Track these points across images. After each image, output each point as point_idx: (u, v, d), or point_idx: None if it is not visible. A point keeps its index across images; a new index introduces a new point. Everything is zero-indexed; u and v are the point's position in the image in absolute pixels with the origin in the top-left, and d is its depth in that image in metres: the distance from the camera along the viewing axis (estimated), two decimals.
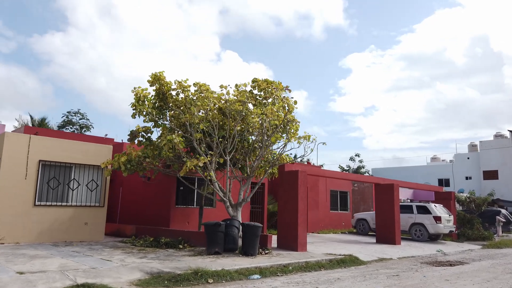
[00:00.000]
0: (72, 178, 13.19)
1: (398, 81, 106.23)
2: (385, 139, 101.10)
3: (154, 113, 12.35)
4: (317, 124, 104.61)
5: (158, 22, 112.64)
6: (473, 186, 46.85)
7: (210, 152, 11.77)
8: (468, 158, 50.59)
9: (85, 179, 13.47)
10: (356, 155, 52.92)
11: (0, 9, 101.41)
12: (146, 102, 12.05)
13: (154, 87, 12.50)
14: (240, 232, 11.33)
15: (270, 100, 13.55)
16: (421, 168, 55.88)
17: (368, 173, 54.12)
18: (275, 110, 12.34)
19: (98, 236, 13.49)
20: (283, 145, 13.01)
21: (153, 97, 12.53)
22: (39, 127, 29.86)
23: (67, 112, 34.40)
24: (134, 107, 11.75)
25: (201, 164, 10.50)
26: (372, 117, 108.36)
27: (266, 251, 11.39)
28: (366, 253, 13.35)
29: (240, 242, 11.21)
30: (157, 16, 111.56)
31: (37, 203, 12.35)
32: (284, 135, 13.75)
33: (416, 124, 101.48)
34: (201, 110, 11.82)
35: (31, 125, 30.39)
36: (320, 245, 14.73)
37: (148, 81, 12.31)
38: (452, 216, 19.60)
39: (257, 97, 13.46)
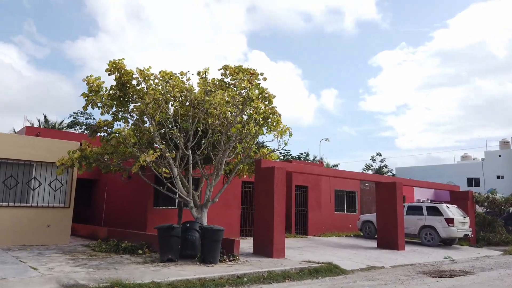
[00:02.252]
0: (33, 176, 12.28)
1: (431, 78, 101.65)
2: (419, 138, 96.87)
3: (113, 104, 11.23)
4: (347, 124, 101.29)
5: (186, 22, 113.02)
6: (505, 185, 43.51)
7: (170, 146, 10.53)
8: (500, 155, 47.11)
9: (48, 178, 12.54)
10: (377, 155, 50.33)
11: (34, 16, 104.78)
12: (101, 93, 10.91)
13: (114, 77, 11.38)
14: None
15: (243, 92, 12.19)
16: (449, 167, 52.68)
17: (391, 173, 51.49)
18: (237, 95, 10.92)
19: (62, 239, 12.52)
20: (251, 138, 11.55)
21: (112, 88, 11.41)
22: (43, 128, 29.81)
23: (74, 113, 34.15)
24: (86, 98, 10.63)
25: (148, 159, 9.24)
26: (404, 116, 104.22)
27: (232, 258, 10.02)
28: (356, 260, 11.73)
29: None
30: (185, 17, 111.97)
31: None
32: (264, 128, 12.39)
33: (450, 122, 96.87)
34: (161, 100, 10.58)
35: (38, 127, 30.36)
36: (307, 251, 13.18)
37: (106, 70, 11.18)
38: (467, 218, 17.50)
39: (231, 86, 12.10)
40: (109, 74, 11.31)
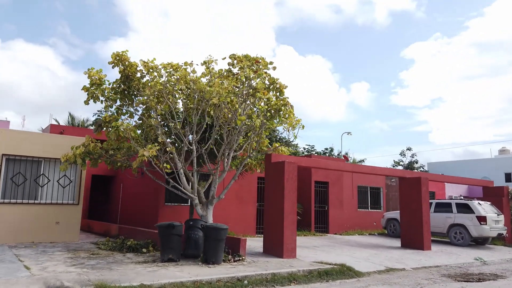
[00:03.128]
0: (41, 173, 12.14)
1: (468, 69, 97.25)
2: (454, 132, 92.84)
3: (117, 98, 10.88)
4: (379, 118, 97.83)
5: (215, 19, 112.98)
6: None
7: (172, 140, 10.05)
8: None
9: (57, 174, 12.38)
10: (407, 149, 48.33)
11: (68, 18, 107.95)
12: (104, 86, 10.56)
13: (119, 70, 11.02)
14: None
15: (256, 81, 11.55)
16: (486, 161, 49.89)
17: (423, 168, 49.39)
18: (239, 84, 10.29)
19: (72, 236, 12.33)
20: (257, 132, 10.89)
21: (117, 81, 11.05)
22: (67, 126, 30.30)
23: (98, 110, 34.51)
24: (87, 91, 10.30)
25: (146, 154, 8.78)
26: (438, 110, 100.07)
27: (237, 258, 9.44)
28: (374, 261, 10.89)
29: None
30: (214, 14, 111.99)
31: (0, 200, 11.42)
32: (275, 120, 11.75)
33: (489, 115, 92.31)
34: (163, 93, 10.11)
35: (62, 125, 30.90)
36: (322, 250, 12.43)
37: (110, 62, 10.83)
38: (502, 215, 16.17)
39: (239, 76, 11.48)
40: (112, 67, 10.97)
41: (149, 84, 9.81)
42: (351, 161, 33.29)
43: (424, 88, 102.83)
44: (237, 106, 10.06)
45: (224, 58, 10.77)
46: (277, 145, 12.71)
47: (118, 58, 10.84)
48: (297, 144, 34.21)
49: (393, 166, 46.04)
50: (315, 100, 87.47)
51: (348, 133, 32.15)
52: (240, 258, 9.49)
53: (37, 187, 12.08)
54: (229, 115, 9.99)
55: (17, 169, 11.83)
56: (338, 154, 34.17)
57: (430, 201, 17.16)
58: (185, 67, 10.52)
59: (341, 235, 18.14)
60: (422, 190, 14.18)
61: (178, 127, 9.83)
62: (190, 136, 10.71)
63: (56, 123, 31.49)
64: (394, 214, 18.27)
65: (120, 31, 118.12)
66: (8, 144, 11.68)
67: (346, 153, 33.13)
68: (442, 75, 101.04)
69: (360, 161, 35.12)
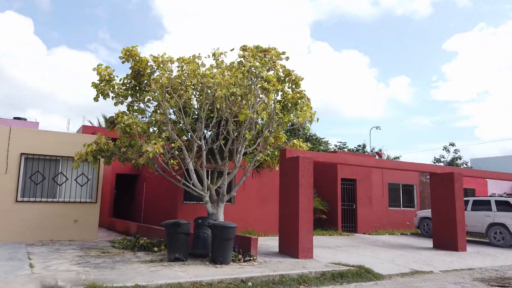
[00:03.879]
0: (59, 172, 12.24)
1: None
2: (502, 126, 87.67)
3: (128, 95, 10.73)
4: (420, 114, 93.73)
5: (250, 19, 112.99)
6: None
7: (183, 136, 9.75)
8: None
9: (74, 173, 12.44)
10: (450, 145, 45.83)
11: (107, 23, 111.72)
12: (113, 82, 10.42)
13: (130, 65, 10.87)
14: None
15: (270, 73, 11.05)
16: None
17: (466, 165, 46.78)
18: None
19: (90, 234, 12.35)
20: (266, 126, 10.36)
21: (127, 76, 10.91)
22: (99, 127, 30.98)
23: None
24: (96, 88, 10.19)
25: (149, 149, 8.50)
26: (484, 103, 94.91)
27: (247, 258, 8.98)
28: (399, 263, 10.09)
29: None
30: (249, 13, 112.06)
31: (19, 199, 11.59)
32: (292, 114, 11.23)
33: None
34: (170, 87, 9.84)
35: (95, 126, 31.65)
36: (344, 251, 11.74)
37: (120, 57, 10.70)
38: None
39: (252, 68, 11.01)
40: (122, 62, 10.84)
41: (155, 79, 9.53)
42: (385, 158, 31.89)
43: (468, 81, 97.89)
44: (239, 99, 9.56)
45: (232, 50, 10.32)
46: (295, 140, 12.14)
47: (128, 53, 10.69)
48: (327, 141, 33.35)
49: (434, 163, 43.85)
50: (352, 97, 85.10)
51: (377, 127, 30.86)
52: (251, 258, 9.03)
53: (55, 185, 12.18)
54: (234, 109, 9.54)
55: (35, 168, 11.98)
56: (371, 151, 32.87)
57: (467, 198, 15.96)
58: (193, 59, 10.18)
59: (370, 235, 17.26)
60: (455, 186, 13.11)
61: (186, 122, 9.49)
62: (205, 132, 10.39)
63: (90, 124, 32.36)
64: (427, 213, 17.14)
65: (156, 34, 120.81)
66: (27, 143, 11.84)
67: (380, 150, 31.85)
68: (488, 67, 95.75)
69: (395, 158, 33.61)
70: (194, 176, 10.03)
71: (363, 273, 8.48)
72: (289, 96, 11.55)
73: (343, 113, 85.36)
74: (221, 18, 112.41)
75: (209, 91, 9.44)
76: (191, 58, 10.19)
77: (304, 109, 11.28)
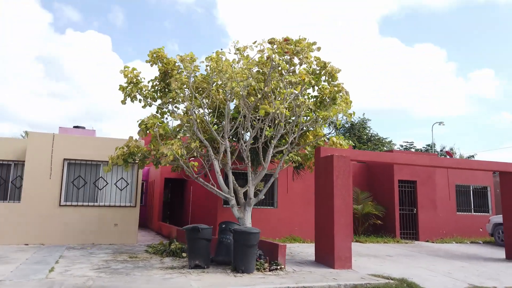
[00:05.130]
0: (100, 176, 12.45)
1: None
2: None
3: (157, 97, 10.56)
4: (507, 109, 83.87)
5: (316, 21, 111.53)
6: None
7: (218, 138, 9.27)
8: None
9: (114, 177, 12.58)
10: None
11: (175, 35, 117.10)
12: (141, 85, 10.28)
13: (157, 68, 10.71)
14: None
15: (302, 67, 10.24)
16: None
17: None
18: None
19: (130, 238, 12.37)
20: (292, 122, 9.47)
21: (157, 78, 10.75)
22: None
23: None
24: (123, 91, 10.10)
25: (165, 151, 8.11)
26: None
27: (274, 267, 8.21)
28: (456, 277, 8.64)
29: None
30: (314, 15, 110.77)
31: (62, 203, 11.95)
32: (330, 109, 10.31)
33: None
34: (191, 86, 9.45)
35: None
36: (393, 261, 10.43)
37: (147, 61, 10.55)
38: None
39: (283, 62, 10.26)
40: (151, 65, 10.68)
41: (175, 76, 9.20)
42: (458, 157, 28.93)
43: None
44: (268, 94, 8.84)
45: (255, 42, 9.58)
46: (335, 138, 11.13)
47: (155, 55, 10.53)
48: (390, 141, 31.17)
49: None
50: (427, 94, 78.96)
51: (440, 123, 27.99)
52: (278, 267, 8.24)
53: (96, 190, 12.40)
54: (250, 103, 8.84)
55: (77, 173, 12.29)
56: (441, 150, 30.11)
57: None
58: (217, 56, 9.68)
59: (433, 243, 15.46)
60: None
61: (209, 121, 9.01)
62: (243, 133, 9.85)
63: None
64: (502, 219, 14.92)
65: (221, 43, 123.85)
66: (69, 149, 12.20)
67: (451, 149, 28.98)
68: None
69: (469, 157, 30.34)
70: (220, 178, 9.51)
71: (404, 287, 7.30)
72: (327, 91, 10.65)
73: (415, 112, 79.74)
74: (282, 21, 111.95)
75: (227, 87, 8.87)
76: (214, 54, 9.70)
77: (342, 104, 10.31)
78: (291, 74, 9.18)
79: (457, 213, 17.14)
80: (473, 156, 30.81)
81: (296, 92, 9.22)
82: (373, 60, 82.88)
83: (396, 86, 77.27)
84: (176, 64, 10.54)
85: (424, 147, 33.15)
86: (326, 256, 9.11)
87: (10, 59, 78.26)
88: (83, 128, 18.86)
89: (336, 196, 9.00)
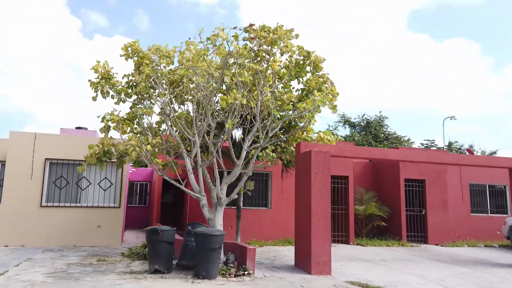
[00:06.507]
0: (82, 176, 12.10)
1: None
2: None
3: (131, 93, 10.05)
4: None
5: (342, 21, 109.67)
6: None
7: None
8: None
9: (97, 177, 12.20)
10: None
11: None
12: (113, 80, 9.78)
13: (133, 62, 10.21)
14: None
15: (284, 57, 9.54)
16: None
17: None
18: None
19: (114, 240, 11.94)
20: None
21: (132, 73, 10.24)
22: None
23: None
24: (93, 87, 9.62)
25: (122, 147, 7.56)
26: None
27: (240, 272, 7.51)
28: (449, 285, 7.67)
29: None
30: (339, 15, 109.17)
31: (44, 204, 11.65)
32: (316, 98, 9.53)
33: None
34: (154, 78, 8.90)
35: None
36: (386, 266, 9.49)
37: (121, 55, 10.04)
38: None
39: (262, 52, 9.56)
40: (125, 59, 10.20)
41: (139, 69, 8.66)
42: (479, 154, 27.20)
43: None
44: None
45: (235, 28, 8.82)
46: (322, 133, 10.32)
47: (130, 49, 10.03)
48: (409, 139, 29.74)
49: None
50: (459, 91, 75.11)
51: (451, 117, 26.40)
52: (245, 272, 7.53)
53: (79, 190, 12.06)
54: (204, 92, 8.15)
55: (59, 173, 11.98)
56: (459, 147, 28.45)
57: None
58: (186, 48, 9.06)
59: (443, 246, 14.30)
60: None
61: (174, 114, 8.43)
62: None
63: None
64: None
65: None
66: (51, 148, 11.90)
67: (471, 146, 27.26)
68: None
69: (490, 154, 28.50)
70: (192, 176, 8.92)
71: None
72: (312, 82, 9.90)
73: (446, 110, 76.04)
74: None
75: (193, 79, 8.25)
76: (185, 45, 9.09)
77: (330, 96, 9.53)
78: (261, 63, 8.45)
79: (472, 214, 15.86)
80: (495, 153, 28.87)
81: (268, 82, 8.48)
82: (401, 57, 79.95)
83: (428, 84, 74.01)
84: (152, 57, 10.02)
85: (446, 145, 31.49)
86: (304, 261, 8.33)
87: (42, 65, 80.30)
88: (85, 129, 18.70)
89: (313, 196, 8.21)
